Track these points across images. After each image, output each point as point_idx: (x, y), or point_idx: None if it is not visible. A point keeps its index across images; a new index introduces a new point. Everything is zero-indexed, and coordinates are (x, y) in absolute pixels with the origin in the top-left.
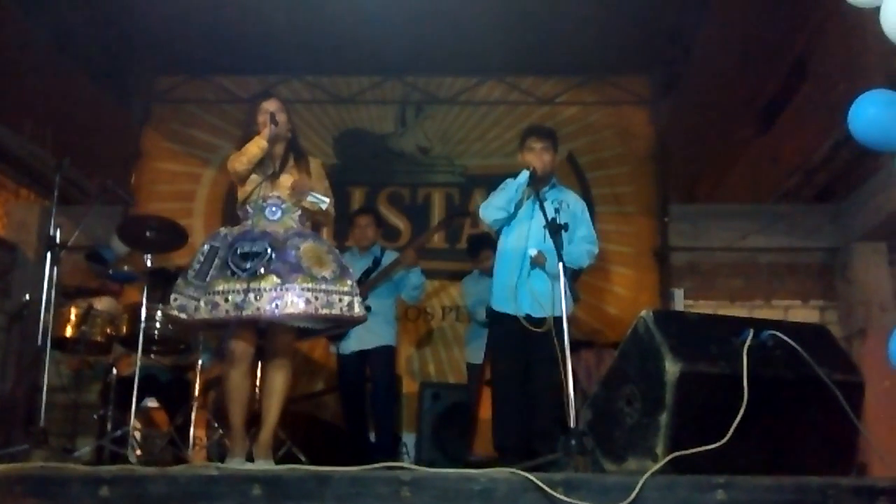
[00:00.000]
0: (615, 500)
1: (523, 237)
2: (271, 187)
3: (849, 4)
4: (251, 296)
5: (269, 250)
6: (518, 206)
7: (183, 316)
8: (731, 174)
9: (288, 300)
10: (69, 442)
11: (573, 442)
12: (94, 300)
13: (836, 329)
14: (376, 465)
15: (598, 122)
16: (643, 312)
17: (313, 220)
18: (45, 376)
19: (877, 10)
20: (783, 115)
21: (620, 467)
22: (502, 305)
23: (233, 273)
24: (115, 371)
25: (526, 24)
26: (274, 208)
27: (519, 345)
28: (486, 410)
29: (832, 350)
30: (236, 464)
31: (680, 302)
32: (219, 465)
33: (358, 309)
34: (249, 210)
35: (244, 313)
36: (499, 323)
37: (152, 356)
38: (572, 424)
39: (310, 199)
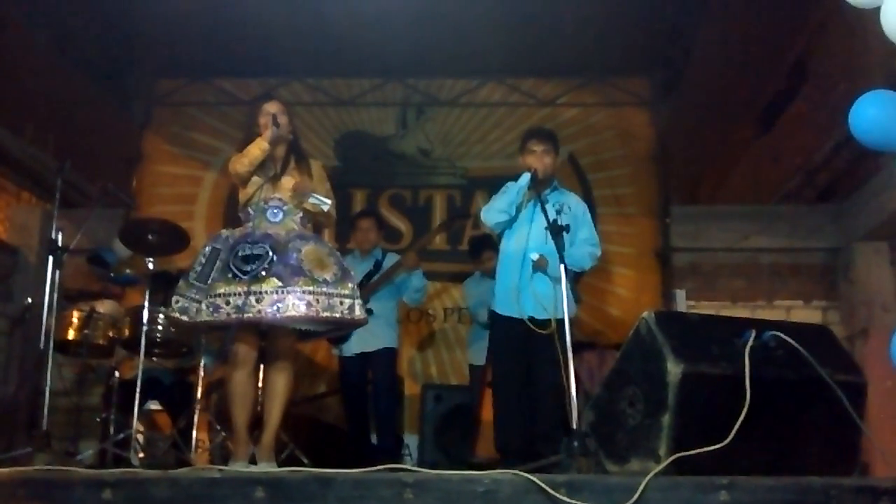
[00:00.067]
0: (618, 502)
1: (525, 240)
2: (273, 189)
3: (849, 5)
4: (252, 298)
5: (270, 253)
6: (519, 209)
7: (184, 318)
8: (733, 175)
9: (289, 303)
10: (72, 445)
11: (576, 443)
12: (96, 303)
13: (838, 329)
14: (379, 468)
15: (599, 124)
16: (645, 313)
17: (315, 222)
18: (48, 380)
19: (877, 10)
20: (784, 116)
21: (623, 468)
22: (505, 308)
23: (234, 275)
24: (117, 374)
25: (526, 25)
26: (275, 210)
27: (520, 347)
28: (488, 412)
29: (834, 350)
30: (239, 466)
31: (682, 303)
32: (221, 467)
33: (359, 312)
34: (251, 212)
35: (245, 316)
36: (500, 325)
37: (155, 359)
38: (575, 426)
39: (311, 200)
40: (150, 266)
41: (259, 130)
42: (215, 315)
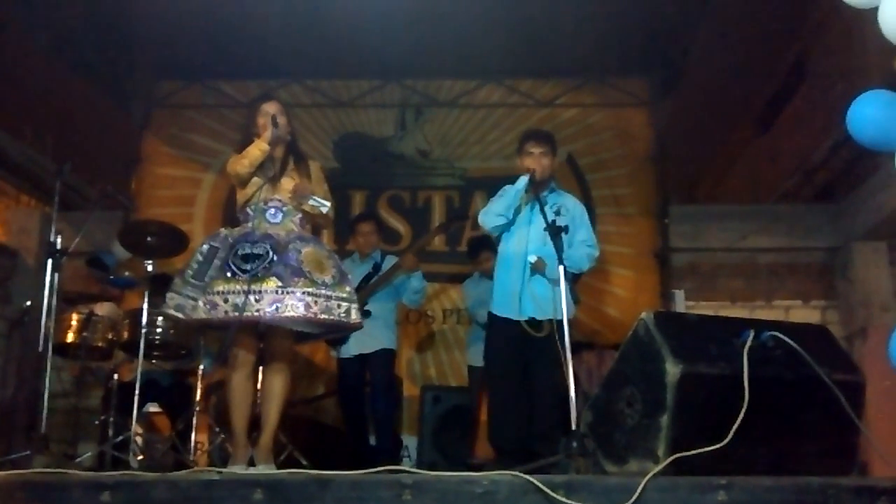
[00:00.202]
0: (616, 502)
1: (523, 242)
2: (272, 190)
3: (847, 5)
4: (251, 297)
5: (270, 253)
6: (518, 212)
7: (179, 315)
8: (731, 175)
9: (288, 303)
10: (71, 448)
11: (574, 444)
12: (94, 306)
13: (836, 329)
14: (377, 469)
15: (598, 124)
16: (643, 314)
17: (313, 223)
18: (47, 382)
19: (875, 10)
20: (782, 116)
21: (622, 469)
22: (503, 310)
23: (233, 274)
24: (116, 376)
25: (525, 26)
26: (275, 211)
27: (518, 348)
28: (486, 413)
29: (833, 350)
30: (238, 468)
31: (680, 303)
32: (220, 469)
33: (355, 316)
34: (250, 213)
35: (244, 314)
36: (498, 326)
37: (153, 361)
38: (573, 426)
39: (311, 202)
40: (149, 268)
41: (257, 131)
42: (212, 313)
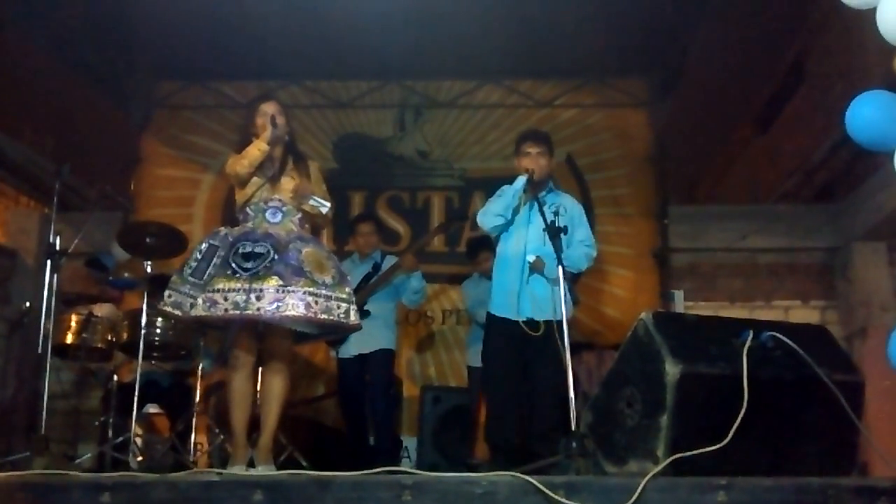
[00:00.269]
0: (616, 503)
1: (521, 242)
2: (272, 190)
3: (846, 5)
4: (252, 296)
5: (271, 252)
6: (516, 212)
7: (177, 312)
8: (731, 175)
9: (289, 302)
10: (70, 449)
11: (574, 444)
12: (94, 307)
13: (836, 329)
14: (377, 470)
15: (597, 125)
16: (643, 314)
17: (312, 223)
18: (46, 383)
19: (873, 11)
20: (782, 116)
21: (621, 469)
22: (501, 310)
23: (234, 272)
24: (115, 377)
25: (524, 27)
26: (274, 211)
27: (517, 348)
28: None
29: (832, 350)
30: (238, 469)
31: (680, 303)
32: (220, 470)
33: (353, 317)
34: (250, 212)
35: (244, 313)
36: (496, 327)
37: (153, 362)
38: (573, 427)
39: (311, 202)
40: (149, 269)
41: (255, 131)
42: (212, 310)
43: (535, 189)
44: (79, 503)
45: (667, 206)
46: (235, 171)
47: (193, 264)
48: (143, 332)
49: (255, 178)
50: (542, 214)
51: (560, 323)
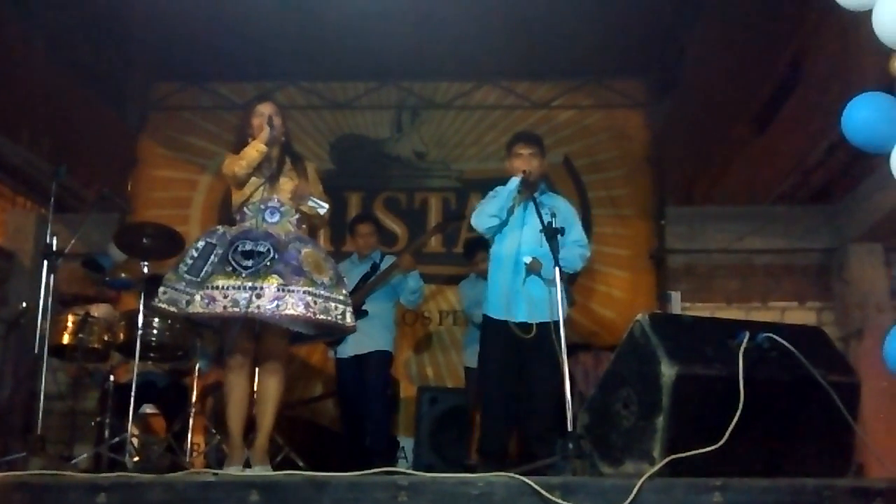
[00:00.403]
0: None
1: (516, 243)
2: (270, 191)
3: (842, 7)
4: (252, 294)
5: (272, 251)
6: (510, 213)
7: (172, 309)
8: (727, 176)
9: (289, 301)
10: (67, 449)
11: (570, 445)
12: (90, 307)
13: (832, 330)
14: (374, 471)
15: (594, 126)
16: (639, 316)
17: (309, 224)
18: (43, 384)
19: (870, 12)
20: (778, 117)
21: (618, 470)
22: (497, 311)
23: (234, 269)
24: (112, 378)
25: (521, 28)
26: (272, 211)
27: (513, 349)
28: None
29: (828, 351)
30: (234, 470)
31: (677, 304)
32: (216, 471)
33: (349, 319)
34: (247, 212)
35: (244, 311)
36: (492, 328)
37: (150, 363)
38: (570, 428)
39: (310, 203)
40: (145, 270)
41: (252, 132)
42: (210, 307)
43: (529, 190)
44: None
45: (664, 207)
46: (233, 171)
47: (189, 262)
48: (139, 332)
49: (253, 179)
50: (539, 216)
51: (557, 324)
